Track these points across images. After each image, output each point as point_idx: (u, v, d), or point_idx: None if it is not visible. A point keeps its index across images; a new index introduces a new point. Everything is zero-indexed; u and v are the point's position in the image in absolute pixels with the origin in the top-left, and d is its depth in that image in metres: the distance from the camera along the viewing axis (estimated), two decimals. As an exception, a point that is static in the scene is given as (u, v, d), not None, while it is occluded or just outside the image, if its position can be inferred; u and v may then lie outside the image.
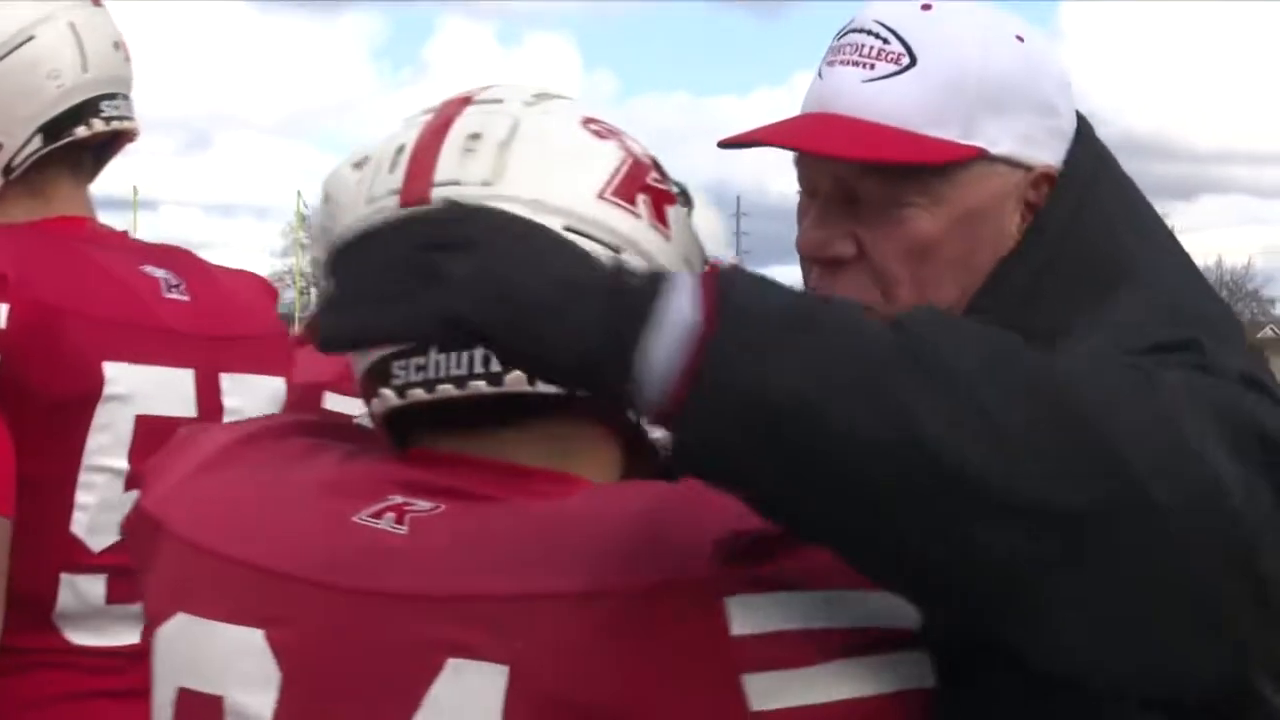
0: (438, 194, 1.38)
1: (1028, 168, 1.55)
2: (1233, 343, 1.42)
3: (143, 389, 2.29)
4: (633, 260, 1.32)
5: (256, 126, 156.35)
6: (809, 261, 1.57)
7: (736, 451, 1.08)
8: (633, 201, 1.43)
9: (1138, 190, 1.63)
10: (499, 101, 1.46)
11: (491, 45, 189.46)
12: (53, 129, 2.34)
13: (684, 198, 1.51)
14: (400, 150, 1.44)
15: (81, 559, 2.24)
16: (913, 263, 1.53)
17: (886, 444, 1.06)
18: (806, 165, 1.58)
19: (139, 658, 1.43)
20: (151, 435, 2.21)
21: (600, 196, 1.41)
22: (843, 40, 1.57)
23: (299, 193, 55.64)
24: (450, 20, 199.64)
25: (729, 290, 1.10)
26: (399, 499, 1.33)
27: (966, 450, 1.05)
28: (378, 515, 1.31)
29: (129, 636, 2.20)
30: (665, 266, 1.38)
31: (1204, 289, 1.55)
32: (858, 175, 1.52)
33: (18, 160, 2.33)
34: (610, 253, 1.36)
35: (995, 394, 1.08)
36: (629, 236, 1.41)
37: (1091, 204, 1.56)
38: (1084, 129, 1.60)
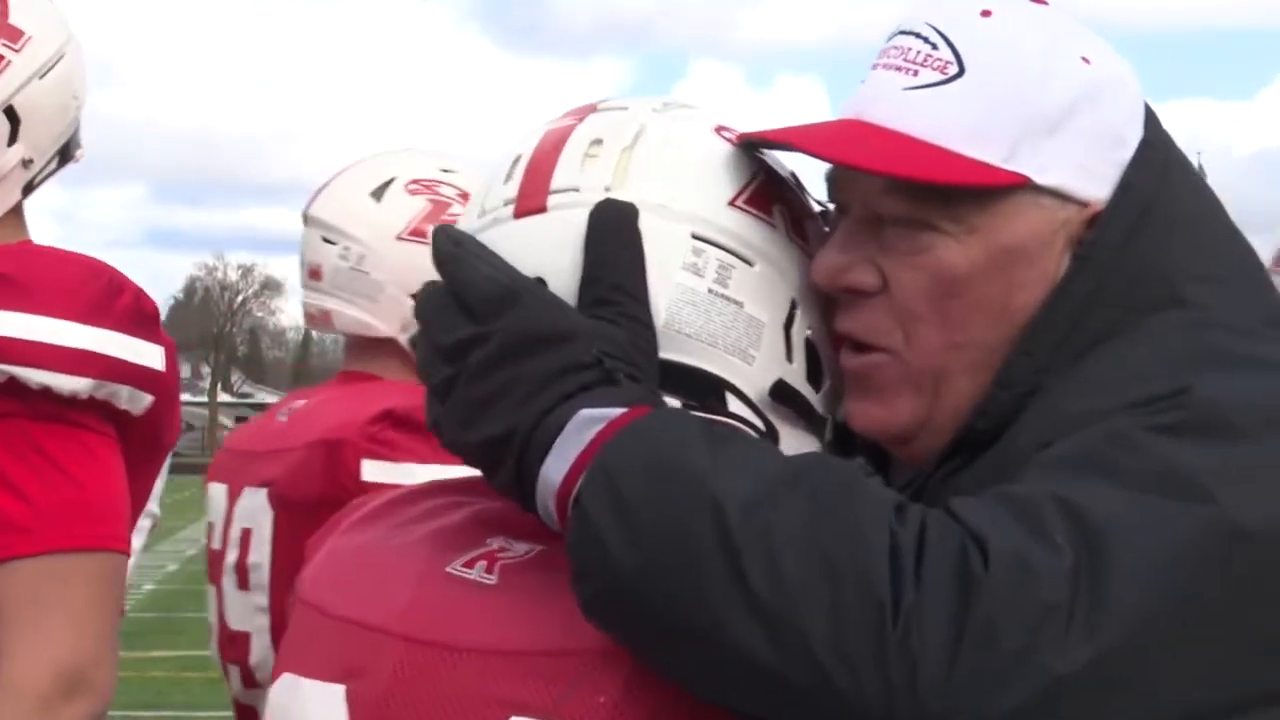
0: (554, 201, 1.34)
1: (1082, 203, 1.39)
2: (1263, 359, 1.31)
3: None
4: (749, 278, 1.35)
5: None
6: (827, 290, 1.41)
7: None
8: (769, 212, 1.38)
9: (1212, 212, 1.47)
10: (625, 109, 1.41)
11: (741, 88, 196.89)
12: (65, 150, 2.36)
13: (825, 216, 1.44)
14: (517, 160, 1.39)
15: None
16: (937, 299, 1.38)
17: (696, 636, 1.17)
18: (837, 178, 1.43)
19: None
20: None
21: (732, 204, 1.36)
22: (891, 41, 1.43)
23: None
24: (700, 64, 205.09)
25: (603, 453, 1.21)
26: (498, 544, 1.32)
27: (766, 656, 1.15)
28: (470, 564, 1.30)
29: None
30: (800, 280, 1.39)
31: (1255, 300, 1.41)
32: (883, 194, 1.38)
33: (39, 179, 2.32)
34: (745, 264, 1.35)
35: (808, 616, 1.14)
36: (762, 247, 1.36)
37: (1142, 236, 1.39)
38: (1151, 135, 1.43)
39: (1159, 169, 1.41)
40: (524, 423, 1.25)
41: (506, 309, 1.28)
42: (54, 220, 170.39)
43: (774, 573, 1.14)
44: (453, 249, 1.34)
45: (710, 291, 1.34)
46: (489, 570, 1.29)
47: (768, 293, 1.37)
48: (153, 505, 2.42)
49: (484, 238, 1.36)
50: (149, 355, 2.11)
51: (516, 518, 1.32)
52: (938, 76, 1.38)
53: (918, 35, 1.40)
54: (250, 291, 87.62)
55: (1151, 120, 1.44)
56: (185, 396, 74.11)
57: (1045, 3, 1.45)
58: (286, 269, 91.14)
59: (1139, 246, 1.38)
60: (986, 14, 1.40)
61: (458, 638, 1.26)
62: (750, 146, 1.41)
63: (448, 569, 1.30)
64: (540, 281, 1.32)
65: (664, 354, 1.32)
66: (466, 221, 1.40)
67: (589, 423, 1.22)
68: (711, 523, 1.15)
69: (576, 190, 1.34)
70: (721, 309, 1.34)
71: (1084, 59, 1.40)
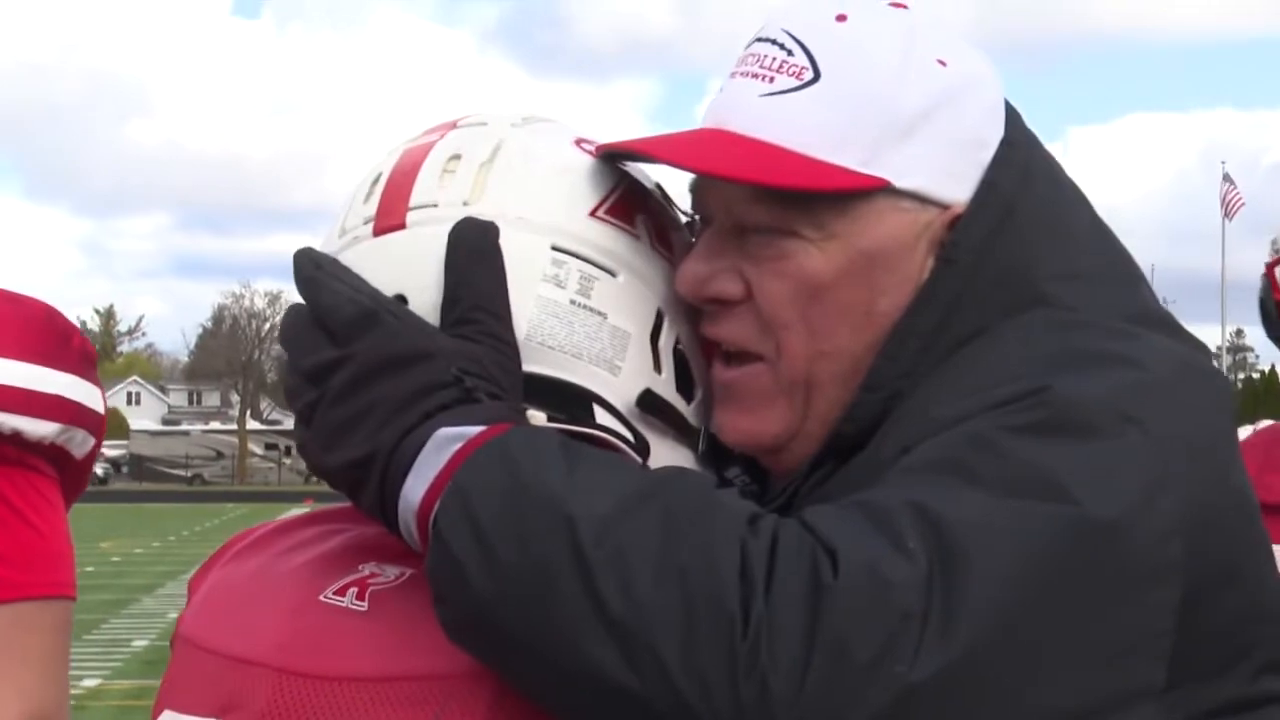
0: (413, 217, 1.35)
1: (943, 205, 1.39)
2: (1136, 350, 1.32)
3: None
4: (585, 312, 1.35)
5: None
6: (692, 301, 1.41)
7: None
8: (631, 222, 1.38)
9: (1077, 211, 1.46)
10: (484, 124, 1.41)
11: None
12: None
13: (692, 227, 1.45)
14: (377, 179, 1.39)
15: None
16: (801, 305, 1.38)
17: (554, 657, 1.18)
18: (699, 188, 1.44)
19: None
20: None
21: (593, 215, 1.36)
22: (749, 49, 1.43)
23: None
24: (720, 83, 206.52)
25: (458, 479, 1.22)
26: (369, 569, 1.33)
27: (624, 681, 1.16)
28: (342, 591, 1.32)
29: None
30: (666, 290, 1.40)
31: (1148, 327, 1.40)
32: (744, 202, 1.38)
33: None
34: (608, 275, 1.36)
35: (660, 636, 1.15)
36: (625, 257, 1.37)
37: (1005, 236, 1.39)
38: (1012, 135, 1.43)
39: (1021, 169, 1.41)
40: (385, 444, 1.26)
41: (366, 330, 1.29)
42: (80, 251, 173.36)
43: (628, 593, 1.15)
44: (313, 272, 1.34)
45: (573, 303, 1.35)
46: (359, 597, 1.31)
47: (632, 303, 1.38)
48: None
49: (345, 257, 1.38)
50: (97, 398, 2.11)
51: (390, 542, 1.33)
52: (794, 82, 1.38)
53: (774, 42, 1.41)
54: (278, 318, 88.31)
55: (1014, 120, 1.44)
56: (215, 425, 76.74)
57: (905, 6, 1.45)
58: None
59: (1001, 247, 1.38)
60: (842, 19, 1.40)
61: (329, 667, 1.28)
62: (612, 158, 1.41)
63: (320, 597, 1.32)
64: (401, 298, 1.34)
65: (529, 367, 1.33)
66: (328, 242, 1.40)
67: (447, 442, 1.23)
68: (566, 545, 1.17)
69: (435, 206, 1.34)
70: (585, 320, 1.35)
71: (940, 61, 1.40)
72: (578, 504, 1.18)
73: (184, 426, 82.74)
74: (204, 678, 1.35)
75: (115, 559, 27.88)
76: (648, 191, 1.43)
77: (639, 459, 1.38)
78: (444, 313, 1.33)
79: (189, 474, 72.45)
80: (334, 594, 1.32)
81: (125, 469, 74.24)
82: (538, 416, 1.33)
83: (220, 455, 73.83)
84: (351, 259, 1.37)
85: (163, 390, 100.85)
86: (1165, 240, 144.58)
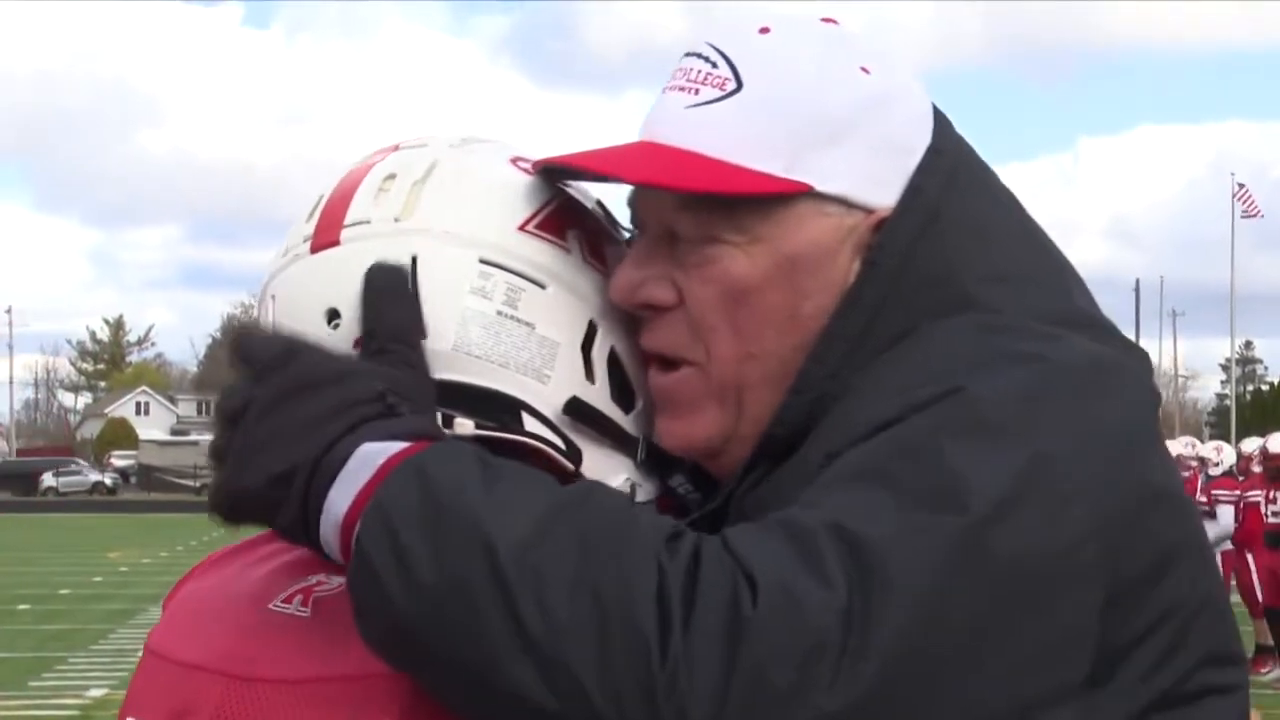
0: (347, 234, 1.39)
1: (867, 210, 1.41)
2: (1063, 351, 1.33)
3: None
4: (547, 300, 1.39)
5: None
6: (625, 307, 1.44)
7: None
8: (562, 236, 1.42)
9: (1005, 215, 1.48)
10: (424, 146, 1.46)
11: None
12: None
13: (633, 242, 1.48)
14: (320, 199, 1.44)
15: None
16: (728, 309, 1.41)
17: (474, 677, 1.20)
18: (635, 200, 1.48)
19: None
20: None
21: (522, 229, 1.40)
22: (679, 64, 1.47)
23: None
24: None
25: (379, 495, 1.22)
26: (318, 579, 1.36)
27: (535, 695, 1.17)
28: (289, 599, 1.36)
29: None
30: (600, 302, 1.43)
31: (1078, 329, 1.40)
32: (673, 210, 1.42)
33: None
34: (537, 287, 1.39)
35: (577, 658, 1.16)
36: (554, 270, 1.40)
37: (929, 240, 1.41)
38: (939, 143, 1.46)
39: (946, 175, 1.43)
40: (308, 455, 1.26)
41: (287, 363, 1.31)
42: (90, 261, 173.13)
43: (545, 614, 1.16)
44: (237, 328, 1.38)
45: (499, 313, 1.39)
46: (304, 603, 1.34)
47: (561, 314, 1.41)
48: None
49: (285, 274, 1.43)
50: None
51: None
52: (717, 93, 1.41)
53: (700, 55, 1.44)
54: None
55: (943, 128, 1.47)
56: None
57: (835, 22, 1.48)
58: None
59: (925, 250, 1.40)
60: (765, 31, 1.44)
61: (267, 671, 1.32)
62: (550, 173, 1.46)
63: (270, 605, 1.36)
64: (335, 313, 1.39)
65: (456, 376, 1.38)
66: (273, 261, 1.44)
67: (372, 456, 1.25)
68: (485, 566, 1.18)
69: (368, 223, 1.39)
70: (512, 330, 1.39)
71: (863, 69, 1.43)
72: (495, 526, 1.19)
73: (193, 437, 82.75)
74: (162, 686, 1.39)
75: (123, 569, 27.88)
76: (583, 207, 1.47)
77: (570, 465, 1.42)
78: (363, 345, 1.37)
79: (197, 484, 72.32)
80: (282, 601, 1.36)
81: (133, 479, 74.29)
82: (465, 424, 1.37)
83: (229, 465, 73.58)
84: (290, 275, 1.43)
85: (171, 400, 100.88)
86: (1175, 251, 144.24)
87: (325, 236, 1.40)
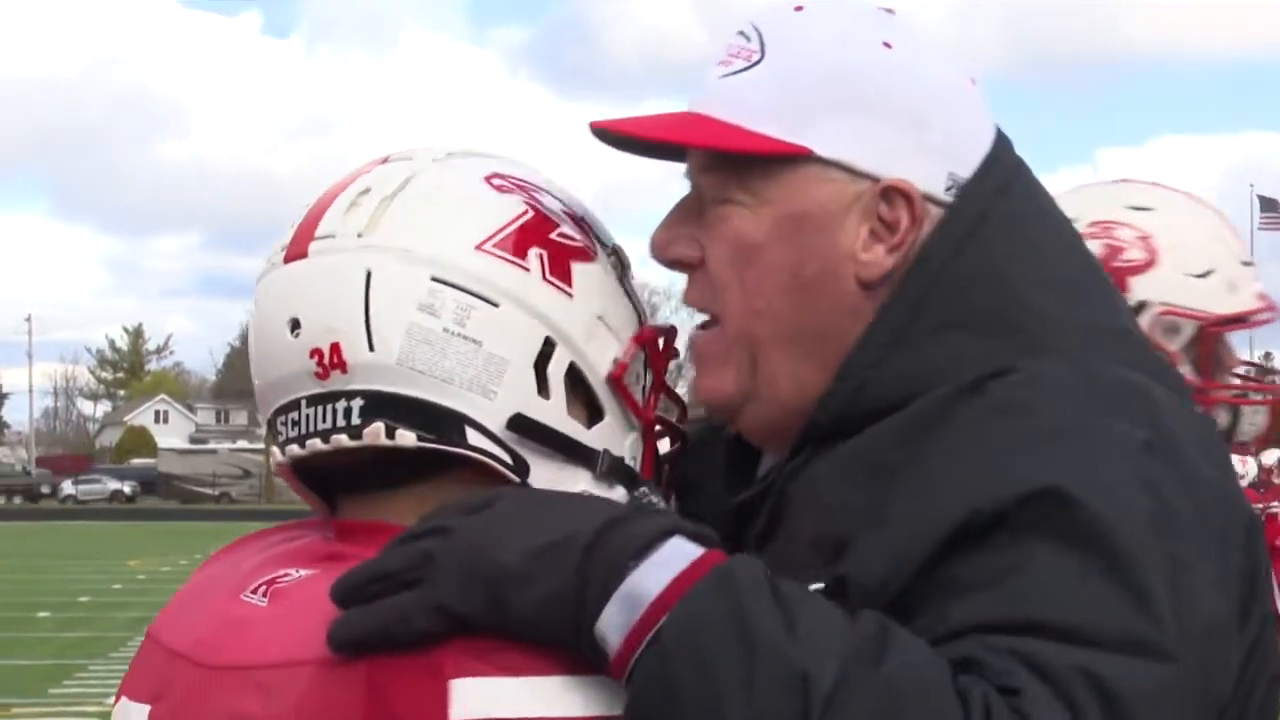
0: (315, 247, 1.43)
1: (873, 179, 1.45)
2: (1150, 413, 1.34)
3: None
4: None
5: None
6: (658, 263, 1.54)
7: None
8: (523, 255, 1.44)
9: (1057, 230, 1.51)
10: (408, 159, 1.49)
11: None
12: None
13: (614, 258, 1.52)
14: (304, 210, 1.48)
15: None
16: (738, 266, 1.47)
17: None
18: (687, 166, 1.55)
19: None
20: None
21: (479, 248, 1.42)
22: (726, 42, 1.54)
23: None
24: None
25: (694, 590, 1.20)
26: (284, 571, 1.40)
27: None
28: (256, 590, 1.40)
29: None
30: (561, 320, 1.44)
31: (1120, 347, 1.44)
32: (699, 173, 1.51)
33: None
34: (489, 305, 1.41)
35: None
36: (507, 288, 1.42)
37: (979, 240, 1.45)
38: (997, 155, 1.49)
39: (999, 182, 1.47)
40: (592, 526, 1.25)
41: (492, 502, 1.34)
42: (109, 269, 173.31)
43: None
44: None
45: (446, 330, 1.41)
46: (265, 594, 1.38)
47: (513, 331, 1.43)
48: None
49: (262, 283, 1.48)
50: None
51: (320, 549, 1.42)
52: (743, 64, 1.49)
53: (741, 33, 1.52)
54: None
55: (1002, 143, 1.51)
56: (242, 443, 76.43)
57: (892, 12, 1.53)
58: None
59: (975, 249, 1.44)
60: (799, 9, 1.51)
61: (222, 658, 1.36)
62: (533, 186, 1.49)
63: (241, 595, 1.40)
64: (296, 323, 1.43)
65: (400, 389, 1.40)
66: (261, 269, 1.48)
67: (686, 550, 1.24)
68: (798, 703, 1.16)
69: (333, 237, 1.42)
70: (459, 347, 1.41)
71: (885, 44, 1.47)
72: (806, 663, 1.18)
73: (211, 445, 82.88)
74: (149, 668, 1.46)
75: (141, 577, 27.93)
76: (552, 226, 1.48)
77: (516, 478, 1.43)
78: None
79: (216, 492, 72.53)
80: (250, 592, 1.40)
81: (153, 487, 74.40)
82: (408, 436, 1.40)
83: (248, 474, 73.78)
84: (265, 284, 1.48)
85: (190, 409, 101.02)
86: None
87: (296, 248, 1.45)
